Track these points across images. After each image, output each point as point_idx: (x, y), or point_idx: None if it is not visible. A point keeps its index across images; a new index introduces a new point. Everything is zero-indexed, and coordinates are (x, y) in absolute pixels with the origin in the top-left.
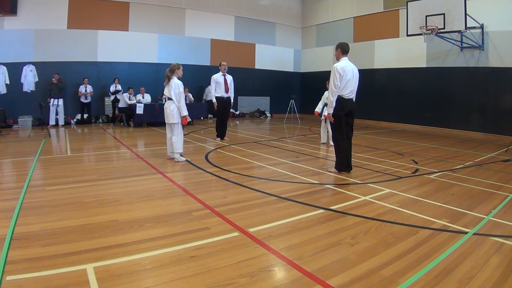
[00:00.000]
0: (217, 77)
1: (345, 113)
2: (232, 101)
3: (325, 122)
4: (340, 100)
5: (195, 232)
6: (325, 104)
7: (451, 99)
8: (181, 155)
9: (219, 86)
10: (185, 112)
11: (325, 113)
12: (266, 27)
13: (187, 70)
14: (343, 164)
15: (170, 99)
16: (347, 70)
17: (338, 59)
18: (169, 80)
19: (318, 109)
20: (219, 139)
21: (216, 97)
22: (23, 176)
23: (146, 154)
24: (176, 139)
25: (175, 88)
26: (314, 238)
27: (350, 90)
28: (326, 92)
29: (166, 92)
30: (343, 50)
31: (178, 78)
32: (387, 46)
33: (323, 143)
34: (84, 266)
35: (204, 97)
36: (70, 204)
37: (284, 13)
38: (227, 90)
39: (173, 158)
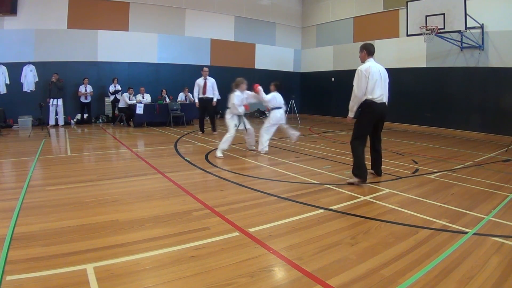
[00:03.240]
0: (199, 81)
1: (376, 119)
2: (215, 100)
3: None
4: (370, 104)
5: (195, 232)
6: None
7: (451, 99)
8: (220, 151)
9: (200, 88)
10: (241, 110)
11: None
12: (266, 27)
13: (187, 70)
14: (364, 171)
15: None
16: (373, 71)
17: (363, 61)
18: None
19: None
20: (201, 132)
21: (198, 98)
22: (23, 176)
23: (146, 154)
24: (223, 138)
25: (231, 99)
26: (314, 238)
27: (380, 93)
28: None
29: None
30: (369, 51)
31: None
32: (387, 46)
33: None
34: (84, 266)
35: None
36: (70, 204)
37: (284, 13)
38: (204, 92)
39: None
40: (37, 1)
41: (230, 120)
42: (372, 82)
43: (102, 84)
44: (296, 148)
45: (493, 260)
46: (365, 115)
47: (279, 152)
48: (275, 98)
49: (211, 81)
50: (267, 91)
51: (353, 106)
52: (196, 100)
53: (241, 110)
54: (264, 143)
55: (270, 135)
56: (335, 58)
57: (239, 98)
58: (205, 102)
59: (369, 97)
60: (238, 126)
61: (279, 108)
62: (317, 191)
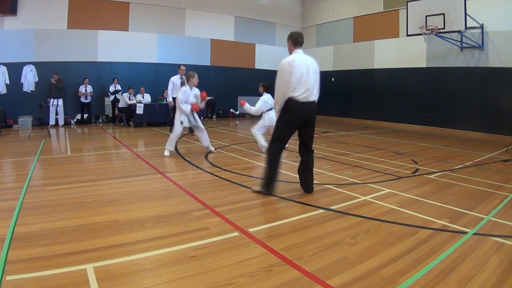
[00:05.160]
0: (175, 79)
1: (300, 121)
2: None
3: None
4: (292, 103)
5: (195, 232)
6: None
7: (451, 99)
8: (167, 151)
9: (176, 87)
10: (186, 108)
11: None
12: (266, 27)
13: (187, 70)
14: (272, 182)
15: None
16: (298, 64)
17: (290, 52)
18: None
19: (251, 109)
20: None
21: (173, 98)
22: (23, 176)
23: (146, 154)
24: (169, 137)
25: (177, 94)
26: (314, 238)
27: (304, 89)
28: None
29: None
30: (294, 41)
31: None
32: (387, 46)
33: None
34: (84, 266)
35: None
36: (70, 204)
37: (284, 13)
38: None
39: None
40: (37, 1)
41: (178, 117)
42: (297, 78)
43: (102, 84)
44: (296, 148)
45: (493, 260)
46: (285, 116)
47: None
48: (265, 102)
49: None
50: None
51: (276, 105)
52: (170, 99)
53: (187, 108)
54: (263, 142)
55: (261, 132)
56: (335, 58)
57: (186, 94)
58: None
59: (291, 94)
60: (186, 123)
61: (271, 109)
62: (317, 191)
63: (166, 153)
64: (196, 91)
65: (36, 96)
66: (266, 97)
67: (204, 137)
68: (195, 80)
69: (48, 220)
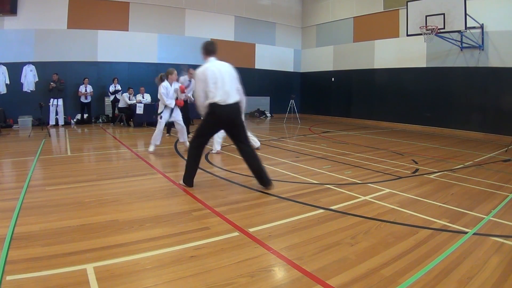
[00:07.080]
0: (182, 79)
1: (222, 123)
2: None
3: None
4: (214, 107)
5: (195, 232)
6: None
7: (451, 99)
8: (152, 147)
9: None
10: (168, 102)
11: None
12: (266, 27)
13: (188, 69)
14: (189, 176)
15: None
16: (210, 71)
17: (205, 61)
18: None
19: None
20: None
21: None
22: (23, 176)
23: (146, 154)
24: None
25: (159, 90)
26: (314, 238)
27: (222, 92)
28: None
29: None
30: (206, 50)
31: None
32: (387, 46)
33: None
34: (84, 266)
35: None
36: (70, 204)
37: (284, 13)
38: None
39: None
40: (37, 1)
41: (163, 113)
42: (212, 85)
43: (102, 84)
44: (296, 148)
45: (493, 260)
46: (208, 117)
47: (279, 152)
48: None
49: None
50: (266, 92)
51: (201, 113)
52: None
53: (171, 103)
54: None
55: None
56: (335, 58)
57: (167, 89)
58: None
59: (212, 100)
60: (169, 119)
61: None
62: (317, 191)
63: (151, 148)
64: (176, 86)
65: (36, 96)
66: None
67: (179, 134)
68: (174, 76)
69: (48, 220)
